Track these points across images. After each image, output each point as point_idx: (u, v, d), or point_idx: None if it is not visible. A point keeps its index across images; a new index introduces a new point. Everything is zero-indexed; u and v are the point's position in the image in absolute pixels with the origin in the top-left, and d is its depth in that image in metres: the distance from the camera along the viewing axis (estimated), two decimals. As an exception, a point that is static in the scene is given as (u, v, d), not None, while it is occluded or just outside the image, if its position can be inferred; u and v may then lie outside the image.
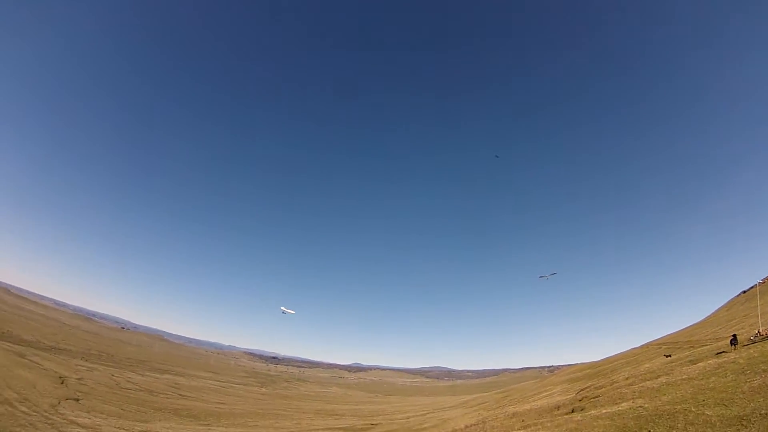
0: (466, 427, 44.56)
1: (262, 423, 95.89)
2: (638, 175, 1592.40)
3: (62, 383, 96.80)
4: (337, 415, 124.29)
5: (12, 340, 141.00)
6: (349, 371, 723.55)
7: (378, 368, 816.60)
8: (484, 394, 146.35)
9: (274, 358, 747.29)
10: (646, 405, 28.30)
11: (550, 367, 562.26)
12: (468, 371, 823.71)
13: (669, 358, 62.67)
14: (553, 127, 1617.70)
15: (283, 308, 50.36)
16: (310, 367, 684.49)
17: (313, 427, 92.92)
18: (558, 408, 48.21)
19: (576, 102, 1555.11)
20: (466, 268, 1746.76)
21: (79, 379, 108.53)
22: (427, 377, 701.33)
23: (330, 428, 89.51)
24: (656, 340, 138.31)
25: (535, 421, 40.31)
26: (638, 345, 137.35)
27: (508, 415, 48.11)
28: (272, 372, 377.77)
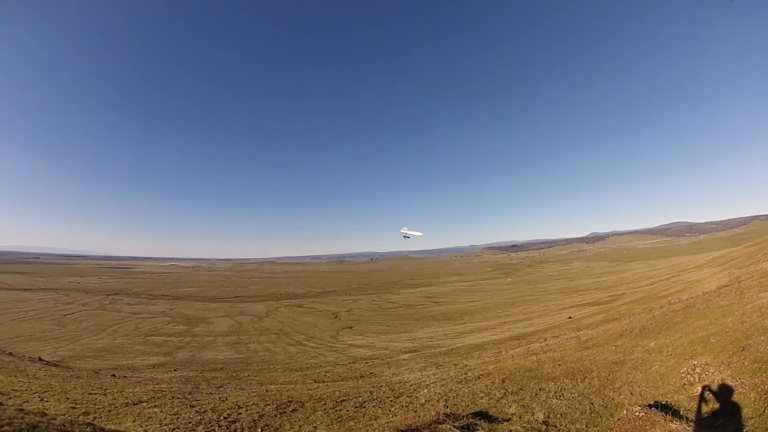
0: (719, 288, 31.57)
1: (512, 311, 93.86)
2: None
3: (336, 318, 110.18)
4: (581, 290, 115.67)
5: (290, 296, 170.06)
6: (587, 243, 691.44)
7: (615, 234, 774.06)
8: (734, 248, 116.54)
9: (513, 246, 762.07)
10: None
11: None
12: (711, 223, 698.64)
13: None
14: None
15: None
16: (548, 247, 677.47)
17: (560, 306, 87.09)
18: None
19: None
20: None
21: (348, 311, 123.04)
22: (667, 236, 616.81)
23: (576, 305, 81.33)
24: None
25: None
26: None
27: (765, 273, 32.97)
28: (514, 260, 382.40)
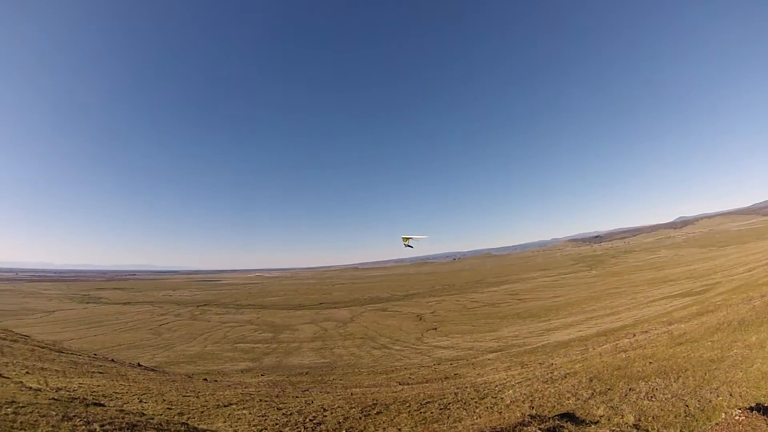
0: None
1: (598, 306, 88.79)
2: None
3: (420, 320, 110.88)
4: (670, 280, 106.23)
5: (374, 301, 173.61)
6: (675, 228, 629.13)
7: (704, 217, 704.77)
8: None
9: (596, 237, 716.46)
10: None
11: None
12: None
13: None
14: None
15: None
16: (633, 236, 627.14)
17: (649, 298, 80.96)
18: None
19: None
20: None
21: (432, 312, 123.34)
22: (764, 215, 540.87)
23: (666, 297, 75.01)
24: None
25: None
26: None
27: None
28: (598, 252, 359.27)
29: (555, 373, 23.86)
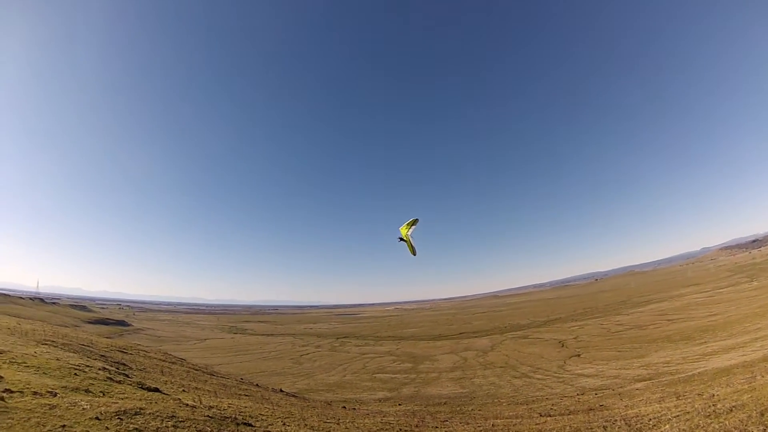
0: None
1: (763, 324, 75.32)
2: None
3: (562, 346, 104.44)
4: None
5: (514, 328, 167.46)
6: None
7: None
8: None
9: (754, 241, 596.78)
10: None
11: None
12: None
13: None
14: None
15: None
16: None
17: None
18: None
19: None
20: None
21: (575, 338, 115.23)
22: None
23: None
24: None
25: None
26: None
27: None
28: (758, 259, 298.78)
29: (718, 406, 21.18)
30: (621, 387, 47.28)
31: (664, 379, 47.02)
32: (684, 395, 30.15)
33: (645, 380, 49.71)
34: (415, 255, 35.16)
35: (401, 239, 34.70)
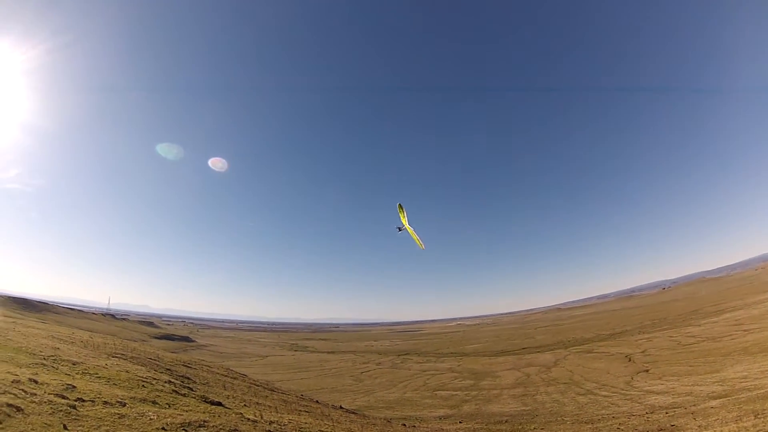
0: None
1: None
2: None
3: (629, 361, 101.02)
4: None
5: (578, 342, 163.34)
6: None
7: None
8: None
9: None
10: None
11: None
12: None
13: None
14: None
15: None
16: None
17: None
18: None
19: None
20: None
21: (642, 352, 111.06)
22: None
23: None
24: None
25: None
26: None
27: None
28: None
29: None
30: (694, 405, 45.90)
31: (741, 396, 45.20)
32: (763, 414, 29.38)
33: (720, 397, 47.85)
34: (423, 248, 34.12)
35: (400, 229, 33.42)
